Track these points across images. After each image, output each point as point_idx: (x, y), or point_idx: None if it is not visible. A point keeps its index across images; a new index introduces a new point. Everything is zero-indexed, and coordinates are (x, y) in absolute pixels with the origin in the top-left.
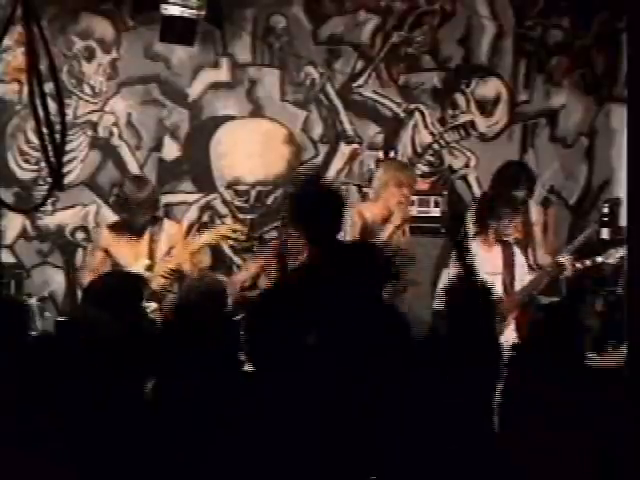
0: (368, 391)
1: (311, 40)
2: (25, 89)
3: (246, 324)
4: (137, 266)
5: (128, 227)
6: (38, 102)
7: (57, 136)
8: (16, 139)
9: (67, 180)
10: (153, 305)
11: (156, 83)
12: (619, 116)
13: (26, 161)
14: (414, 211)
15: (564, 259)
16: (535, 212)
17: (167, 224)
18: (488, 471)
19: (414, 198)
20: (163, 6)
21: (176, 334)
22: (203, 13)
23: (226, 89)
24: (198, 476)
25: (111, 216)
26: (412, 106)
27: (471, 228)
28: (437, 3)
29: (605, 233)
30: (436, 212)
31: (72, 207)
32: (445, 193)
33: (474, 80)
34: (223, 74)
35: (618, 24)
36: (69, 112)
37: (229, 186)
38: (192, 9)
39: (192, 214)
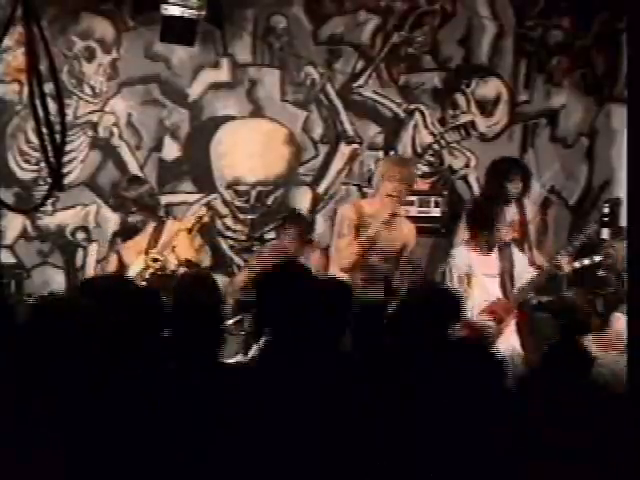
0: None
1: (311, 40)
2: (25, 89)
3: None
4: (137, 263)
5: (130, 228)
6: (38, 102)
7: (57, 136)
8: (16, 139)
9: (67, 180)
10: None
11: (156, 83)
12: (619, 116)
13: (26, 161)
14: (414, 211)
15: (562, 259)
16: (530, 211)
17: (169, 223)
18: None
19: (414, 198)
20: (163, 6)
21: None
22: (203, 13)
23: (226, 89)
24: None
25: (111, 216)
26: (412, 106)
27: (464, 232)
28: (437, 3)
29: (605, 233)
30: (436, 212)
31: (72, 207)
32: (445, 193)
33: (474, 80)
34: (223, 74)
35: (618, 24)
36: (69, 112)
37: (229, 186)
38: (192, 9)
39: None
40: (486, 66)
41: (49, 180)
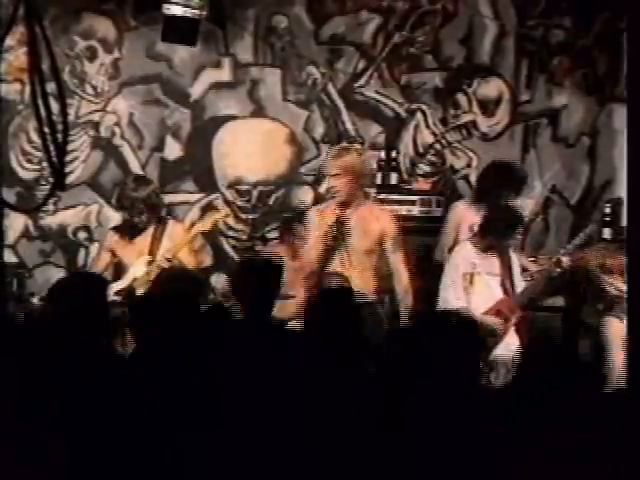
0: None
1: (313, 40)
2: (27, 89)
3: None
4: (138, 263)
5: (130, 227)
6: (40, 102)
7: (59, 136)
8: (18, 139)
9: (69, 180)
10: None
11: (158, 83)
12: (621, 116)
13: (28, 161)
14: (416, 211)
15: (562, 258)
16: (530, 210)
17: (170, 223)
18: None
19: (415, 198)
20: (165, 6)
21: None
22: (205, 13)
23: (228, 89)
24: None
25: (113, 216)
26: (414, 106)
27: (466, 230)
28: (439, 3)
29: (607, 233)
30: (438, 212)
31: (74, 207)
32: (447, 193)
33: (476, 80)
34: (225, 74)
35: (620, 24)
36: (71, 112)
37: (231, 186)
38: (194, 9)
39: (194, 214)
40: (487, 66)
41: (51, 180)
